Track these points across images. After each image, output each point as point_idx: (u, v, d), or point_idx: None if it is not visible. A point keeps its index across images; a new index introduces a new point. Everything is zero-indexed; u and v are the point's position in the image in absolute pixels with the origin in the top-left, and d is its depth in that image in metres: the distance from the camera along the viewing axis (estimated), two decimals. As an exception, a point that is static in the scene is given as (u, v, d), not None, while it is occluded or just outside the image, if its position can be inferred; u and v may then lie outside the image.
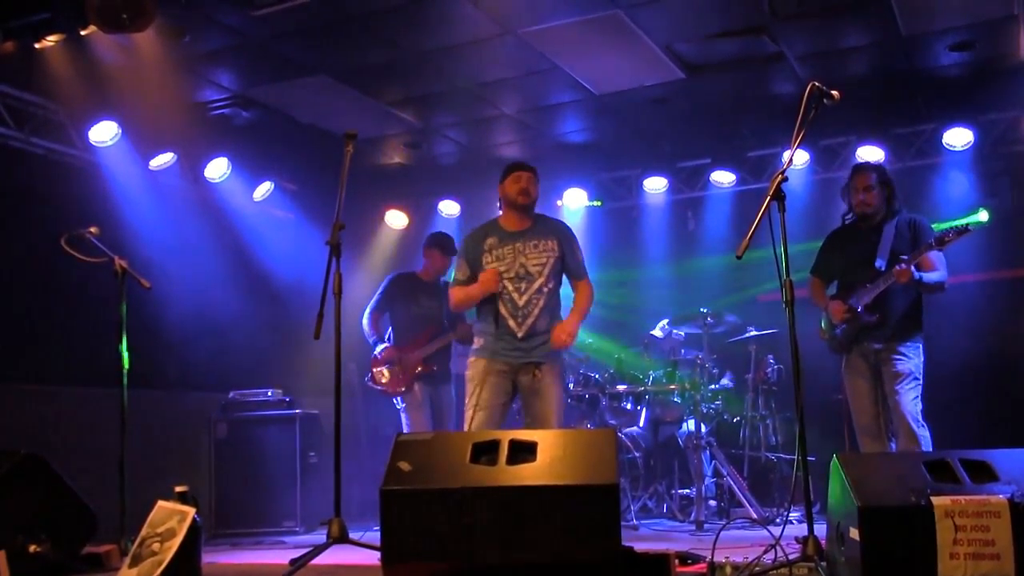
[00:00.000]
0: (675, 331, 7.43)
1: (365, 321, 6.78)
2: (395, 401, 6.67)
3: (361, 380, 9.07)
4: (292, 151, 8.15)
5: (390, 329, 6.84)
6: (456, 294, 5.23)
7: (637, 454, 7.15)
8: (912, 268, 5.03)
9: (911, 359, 5.18)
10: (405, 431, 6.49)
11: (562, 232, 5.23)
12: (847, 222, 5.57)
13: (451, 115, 7.97)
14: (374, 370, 6.67)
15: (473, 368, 5.06)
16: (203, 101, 7.34)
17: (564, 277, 5.25)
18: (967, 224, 5.05)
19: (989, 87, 7.27)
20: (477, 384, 4.97)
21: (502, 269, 5.04)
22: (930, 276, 5.16)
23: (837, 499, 3.39)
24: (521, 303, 5.01)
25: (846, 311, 5.28)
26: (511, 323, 5.00)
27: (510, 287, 5.02)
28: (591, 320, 7.88)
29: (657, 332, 7.46)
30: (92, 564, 4.58)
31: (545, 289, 5.05)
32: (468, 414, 4.98)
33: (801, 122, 3.80)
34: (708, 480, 6.91)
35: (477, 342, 5.13)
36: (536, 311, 5.01)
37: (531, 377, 4.99)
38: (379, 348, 6.68)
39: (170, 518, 3.89)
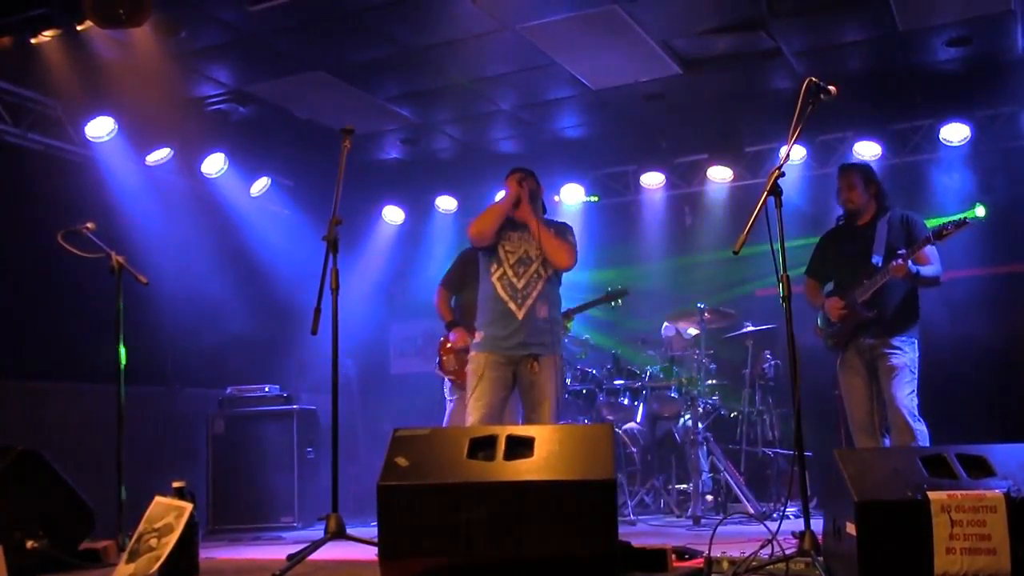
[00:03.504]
0: (682, 329, 7.42)
1: (436, 299, 6.16)
2: (446, 391, 6.17)
3: (359, 375, 9.09)
4: (289, 147, 8.14)
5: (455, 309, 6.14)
6: (477, 219, 5.15)
7: (634, 449, 7.17)
8: (909, 263, 5.05)
9: (906, 353, 5.18)
10: (446, 423, 6.19)
11: (562, 224, 5.33)
12: (840, 224, 5.60)
13: (448, 111, 7.97)
14: (443, 356, 6.16)
15: (473, 362, 5.08)
16: (200, 96, 7.33)
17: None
18: (964, 217, 5.06)
19: (986, 82, 7.28)
20: (477, 379, 5.00)
21: (509, 249, 5.12)
22: (926, 270, 5.17)
23: (834, 494, 3.39)
24: (520, 286, 5.07)
25: (843, 307, 5.28)
26: (511, 305, 5.04)
27: (510, 272, 5.10)
28: (590, 315, 7.95)
29: (668, 323, 7.43)
30: (89, 560, 4.57)
31: (542, 272, 5.10)
32: (468, 409, 5.00)
33: (798, 118, 3.79)
34: (705, 475, 6.91)
35: (477, 336, 5.15)
36: (535, 294, 5.06)
37: (529, 369, 5.02)
38: (452, 331, 6.05)
39: (168, 513, 3.89)
